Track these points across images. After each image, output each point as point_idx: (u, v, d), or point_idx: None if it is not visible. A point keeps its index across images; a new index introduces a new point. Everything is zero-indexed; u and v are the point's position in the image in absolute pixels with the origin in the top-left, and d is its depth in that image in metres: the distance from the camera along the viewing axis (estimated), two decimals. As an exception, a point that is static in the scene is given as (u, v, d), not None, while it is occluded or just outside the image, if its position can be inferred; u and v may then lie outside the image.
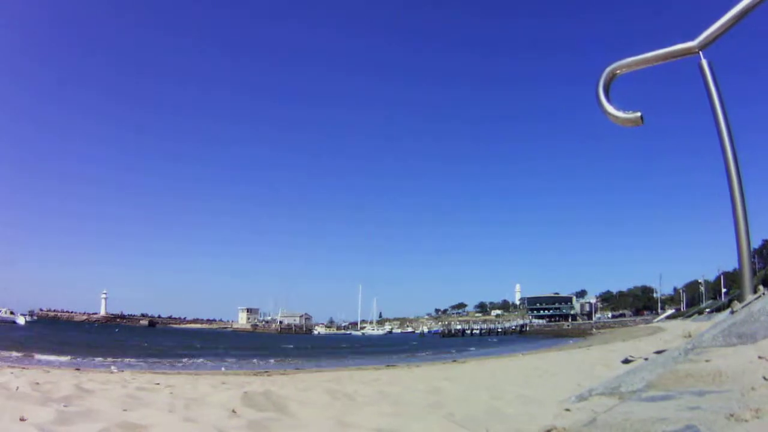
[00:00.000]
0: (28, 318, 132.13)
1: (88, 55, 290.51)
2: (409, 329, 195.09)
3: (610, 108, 4.94)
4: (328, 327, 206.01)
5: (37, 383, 13.19)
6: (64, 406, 9.25)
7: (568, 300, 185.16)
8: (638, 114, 4.01)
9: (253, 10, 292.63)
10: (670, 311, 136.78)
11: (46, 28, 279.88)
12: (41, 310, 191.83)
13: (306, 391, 13.51)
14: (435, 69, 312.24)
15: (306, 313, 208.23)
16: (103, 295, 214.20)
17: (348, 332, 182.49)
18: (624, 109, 5.11)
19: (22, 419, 7.62)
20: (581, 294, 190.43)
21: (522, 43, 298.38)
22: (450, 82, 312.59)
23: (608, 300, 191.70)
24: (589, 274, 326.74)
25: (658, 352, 15.62)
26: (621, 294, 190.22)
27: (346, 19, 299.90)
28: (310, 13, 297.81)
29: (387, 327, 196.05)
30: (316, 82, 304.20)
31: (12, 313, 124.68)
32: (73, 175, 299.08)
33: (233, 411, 9.13)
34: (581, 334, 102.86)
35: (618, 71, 3.54)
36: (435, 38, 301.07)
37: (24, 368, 21.20)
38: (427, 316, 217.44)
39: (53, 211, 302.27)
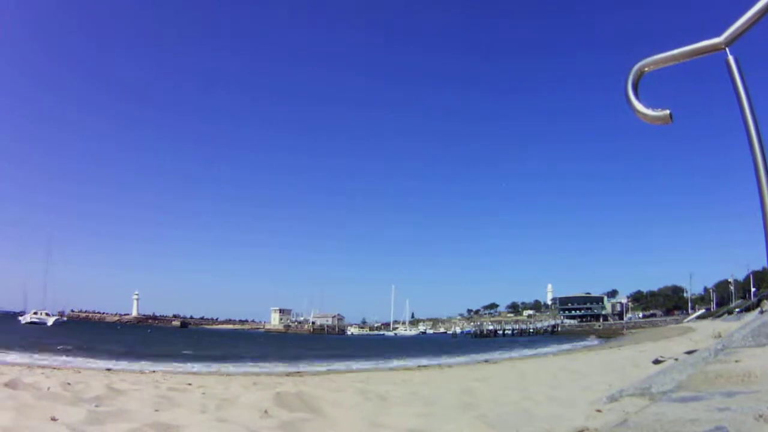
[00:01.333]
0: (58, 319, 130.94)
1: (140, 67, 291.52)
2: (442, 330, 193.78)
3: (639, 106, 4.83)
4: (361, 328, 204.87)
5: (68, 383, 13.21)
6: (96, 406, 9.28)
7: (599, 300, 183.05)
8: (667, 112, 3.90)
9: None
10: (700, 311, 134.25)
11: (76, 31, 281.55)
12: (72, 311, 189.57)
13: (338, 391, 13.45)
14: (466, 73, 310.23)
15: (339, 314, 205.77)
16: (135, 296, 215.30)
17: (381, 333, 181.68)
18: (653, 107, 4.99)
19: (53, 419, 7.60)
20: (612, 294, 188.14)
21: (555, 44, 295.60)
22: (480, 85, 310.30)
23: (639, 300, 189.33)
24: (620, 274, 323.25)
25: (689, 353, 15.41)
26: (652, 294, 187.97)
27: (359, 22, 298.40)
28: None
29: (420, 328, 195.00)
30: (350, 86, 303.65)
31: (47, 314, 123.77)
32: (109, 180, 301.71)
33: (265, 411, 9.07)
34: (612, 334, 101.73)
35: (646, 68, 3.46)
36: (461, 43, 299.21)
37: (55, 368, 21.29)
38: (459, 317, 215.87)
39: (86, 213, 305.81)
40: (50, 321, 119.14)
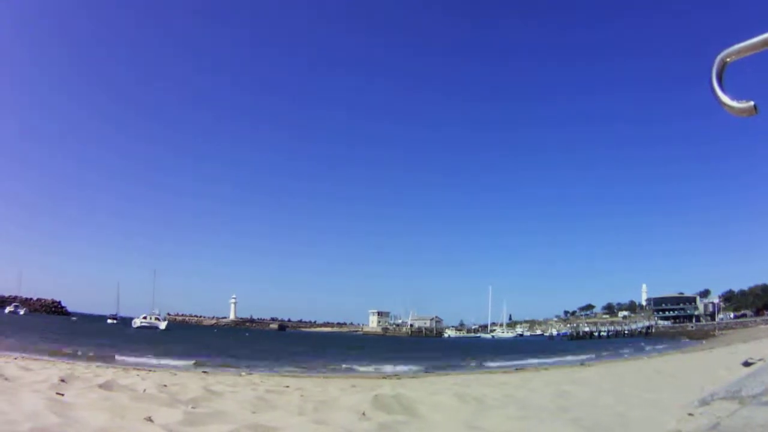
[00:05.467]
0: (169, 323, 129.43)
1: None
2: (539, 332, 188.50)
3: (724, 98, 4.57)
4: (459, 330, 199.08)
5: (165, 385, 13.17)
6: (192, 407, 9.19)
7: (692, 300, 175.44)
8: (751, 103, 3.64)
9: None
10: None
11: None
12: (169, 314, 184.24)
13: (435, 394, 13.19)
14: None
15: (436, 316, 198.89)
16: (233, 300, 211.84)
17: (478, 335, 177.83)
18: (737, 98, 4.69)
19: (149, 420, 7.51)
20: (704, 294, 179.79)
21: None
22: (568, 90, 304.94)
23: (730, 300, 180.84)
24: (712, 273, 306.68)
25: (779, 355, 14.64)
26: (742, 293, 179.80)
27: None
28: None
29: (517, 330, 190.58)
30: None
31: (157, 318, 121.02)
32: (208, 192, 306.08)
33: (363, 414, 8.91)
34: (704, 335, 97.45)
35: (728, 59, 3.23)
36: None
37: (150, 371, 20.96)
38: (555, 318, 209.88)
39: (183, 223, 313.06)
40: (162, 325, 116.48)
